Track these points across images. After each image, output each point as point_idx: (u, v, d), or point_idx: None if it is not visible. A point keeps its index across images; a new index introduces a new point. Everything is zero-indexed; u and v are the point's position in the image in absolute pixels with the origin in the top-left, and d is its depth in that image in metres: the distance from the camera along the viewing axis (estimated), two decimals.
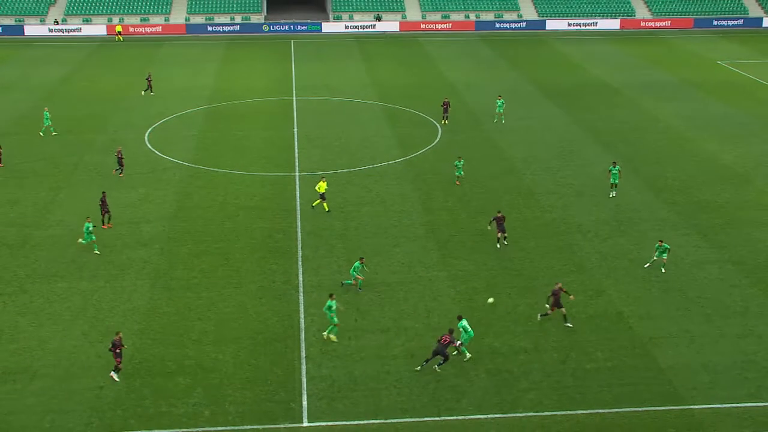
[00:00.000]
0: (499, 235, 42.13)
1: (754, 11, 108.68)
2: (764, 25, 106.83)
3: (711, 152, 57.16)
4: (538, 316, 35.18)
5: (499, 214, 42.12)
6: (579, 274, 39.38)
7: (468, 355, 32.45)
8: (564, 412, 29.43)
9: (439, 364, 31.63)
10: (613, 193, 48.85)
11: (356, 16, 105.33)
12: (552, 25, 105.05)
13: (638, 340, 33.90)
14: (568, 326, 34.61)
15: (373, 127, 62.90)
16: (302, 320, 35.28)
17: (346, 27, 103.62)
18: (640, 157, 55.99)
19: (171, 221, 45.16)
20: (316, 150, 57.34)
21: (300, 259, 40.89)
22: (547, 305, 34.98)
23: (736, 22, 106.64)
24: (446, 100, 64.63)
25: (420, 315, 35.71)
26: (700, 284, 38.48)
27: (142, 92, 72.60)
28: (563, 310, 34.75)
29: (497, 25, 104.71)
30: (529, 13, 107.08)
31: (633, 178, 51.91)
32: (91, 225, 40.76)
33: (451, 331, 31.99)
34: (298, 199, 48.25)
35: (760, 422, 28.91)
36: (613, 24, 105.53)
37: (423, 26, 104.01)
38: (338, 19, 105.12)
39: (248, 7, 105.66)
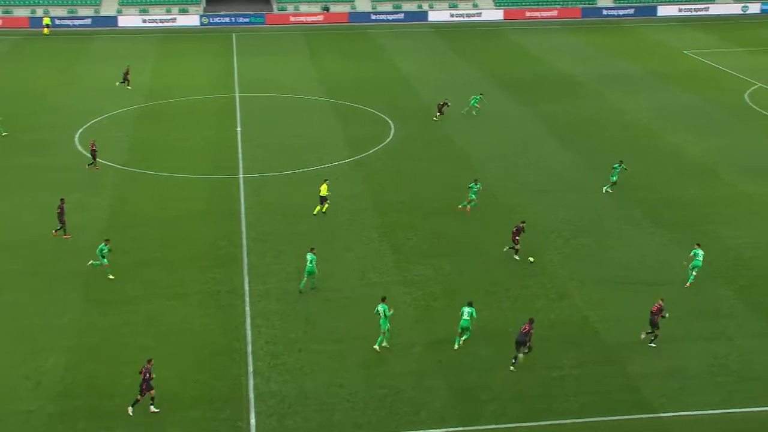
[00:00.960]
0: (508, 248, 41.61)
1: None
2: (730, 12, 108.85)
3: (677, 145, 58.07)
4: (642, 335, 34.41)
5: (522, 224, 41.64)
6: (541, 277, 39.71)
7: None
8: (528, 424, 29.66)
9: (525, 353, 32.59)
10: (607, 188, 49.63)
11: (302, 7, 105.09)
12: (509, 15, 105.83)
13: (605, 345, 34.30)
14: (652, 346, 34.29)
15: (322, 125, 62.83)
16: (249, 332, 35.08)
17: (292, 19, 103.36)
18: (604, 151, 56.63)
19: (106, 229, 44.53)
20: (262, 150, 57.11)
21: (246, 266, 40.67)
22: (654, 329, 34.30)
23: (701, 8, 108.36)
24: (445, 101, 64.24)
25: (375, 323, 35.68)
26: (666, 284, 39.02)
27: (117, 83, 72.68)
28: (657, 331, 34.15)
29: (452, 16, 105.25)
30: (486, 2, 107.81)
31: (597, 174, 52.49)
32: (107, 247, 39.29)
33: (531, 321, 32.77)
34: (242, 203, 48.01)
35: (733, 429, 29.45)
36: (574, 13, 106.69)
37: (373, 17, 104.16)
38: (283, 10, 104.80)
39: None
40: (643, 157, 55.93)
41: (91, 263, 39.68)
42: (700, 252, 38.86)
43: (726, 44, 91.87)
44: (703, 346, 34.28)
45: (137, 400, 29.77)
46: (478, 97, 65.34)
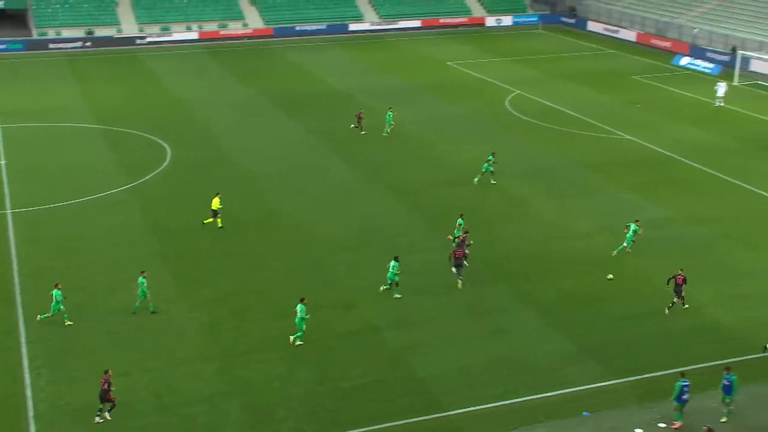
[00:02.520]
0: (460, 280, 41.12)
1: (477, 11, 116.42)
2: (487, 24, 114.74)
3: (447, 154, 60.37)
4: (666, 310, 37.83)
5: (464, 234, 42.12)
6: (327, 290, 40.12)
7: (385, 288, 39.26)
8: None
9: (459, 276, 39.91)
10: (491, 180, 54.21)
11: (64, 32, 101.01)
12: (279, 32, 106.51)
13: (394, 351, 35.12)
14: (686, 307, 38.15)
15: (94, 153, 60.58)
16: (27, 375, 33.23)
17: (53, 44, 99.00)
18: (380, 164, 58.09)
19: None
20: (30, 183, 54.30)
21: (20, 306, 38.51)
22: (682, 298, 37.98)
23: (461, 22, 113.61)
24: (360, 111, 65.74)
25: (163, 353, 34.85)
26: (448, 286, 40.50)
27: None
28: (676, 298, 37.78)
29: (222, 36, 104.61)
30: (255, 21, 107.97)
31: (376, 186, 53.80)
32: (60, 292, 36.19)
33: (459, 246, 40.22)
34: (12, 240, 45.47)
35: (519, 417, 30.93)
36: (342, 29, 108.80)
37: (140, 40, 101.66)
38: (43, 35, 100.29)
39: None
40: (417, 166, 57.81)
41: (43, 316, 36.68)
42: (633, 226, 43.46)
43: (485, 54, 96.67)
44: (485, 343, 35.83)
45: (113, 405, 30.38)
46: (390, 113, 65.13)
